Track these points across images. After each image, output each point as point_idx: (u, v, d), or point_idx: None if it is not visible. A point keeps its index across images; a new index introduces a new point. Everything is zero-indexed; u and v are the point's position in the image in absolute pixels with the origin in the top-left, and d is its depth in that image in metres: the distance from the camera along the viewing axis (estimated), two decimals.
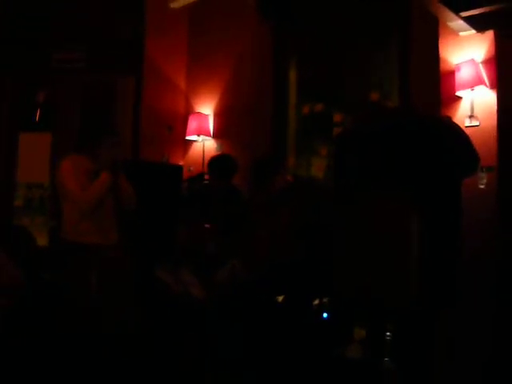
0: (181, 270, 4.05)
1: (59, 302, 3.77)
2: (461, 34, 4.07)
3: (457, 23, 3.92)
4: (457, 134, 3.12)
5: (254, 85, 5.66)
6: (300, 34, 5.53)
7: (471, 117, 4.06)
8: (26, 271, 3.99)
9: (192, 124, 5.91)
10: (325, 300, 3.67)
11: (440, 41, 4.24)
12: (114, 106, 6.20)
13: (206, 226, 4.33)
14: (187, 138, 6.01)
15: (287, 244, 3.84)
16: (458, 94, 4.13)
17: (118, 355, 3.51)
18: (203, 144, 5.89)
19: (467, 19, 3.84)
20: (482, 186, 3.98)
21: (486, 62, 4.04)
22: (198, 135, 5.88)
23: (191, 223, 4.42)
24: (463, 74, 4.05)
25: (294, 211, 3.88)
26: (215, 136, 5.90)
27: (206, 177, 4.91)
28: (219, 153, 5.56)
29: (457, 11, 3.75)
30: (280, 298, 3.73)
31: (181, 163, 6.03)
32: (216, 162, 4.64)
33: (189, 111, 6.13)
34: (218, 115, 5.92)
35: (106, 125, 4.30)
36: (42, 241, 5.17)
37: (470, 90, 4.04)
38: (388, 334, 3.00)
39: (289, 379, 3.36)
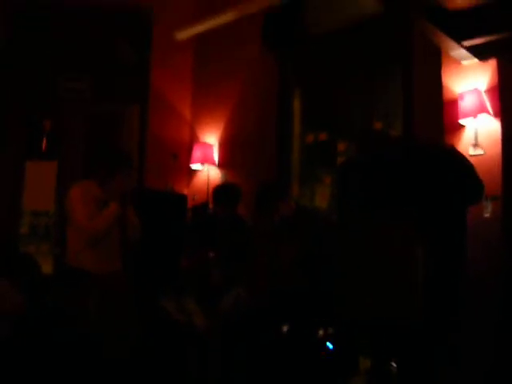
0: (184, 299, 4.03)
1: (59, 328, 3.75)
2: (463, 62, 4.09)
3: (459, 52, 3.95)
4: (461, 162, 3.12)
5: (259, 114, 5.69)
6: (304, 63, 5.57)
7: (475, 145, 4.06)
8: (31, 298, 3.97)
9: (197, 153, 5.94)
10: (330, 330, 3.64)
11: (443, 70, 4.25)
12: (120, 135, 6.24)
13: (211, 254, 4.32)
14: (192, 166, 6.03)
15: (290, 273, 3.82)
16: (461, 122, 4.13)
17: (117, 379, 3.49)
18: (208, 173, 5.90)
19: (470, 48, 3.86)
20: (486, 215, 3.96)
21: (489, 91, 4.04)
22: (203, 164, 5.91)
23: (195, 251, 4.41)
24: (467, 103, 4.05)
25: (297, 240, 3.87)
26: (220, 165, 5.93)
27: (211, 206, 4.92)
28: (224, 182, 5.58)
29: (459, 41, 3.78)
30: (284, 328, 3.70)
31: (185, 192, 6.04)
32: (221, 191, 4.64)
33: (193, 140, 6.17)
34: (223, 144, 5.96)
35: (124, 156, 4.30)
36: (46, 268, 5.16)
37: (473, 118, 4.05)
38: (393, 363, 2.97)
39: None
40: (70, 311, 3.73)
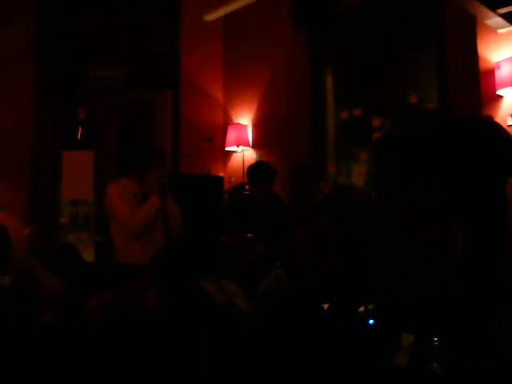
0: (224, 281, 4.05)
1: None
2: (499, 31, 4.00)
3: (495, 20, 3.86)
4: (499, 133, 3.06)
5: (291, 93, 5.66)
6: (335, 39, 5.51)
7: None
8: (73, 287, 4.04)
9: (231, 135, 5.95)
10: (370, 306, 3.63)
11: (478, 39, 4.17)
12: (153, 121, 6.28)
13: (249, 235, 4.33)
14: (227, 149, 6.05)
15: (329, 252, 3.81)
16: (498, 92, 4.05)
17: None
18: (243, 154, 5.92)
19: (505, 16, 3.77)
20: None
21: None
22: (238, 146, 5.91)
23: (233, 233, 4.43)
24: (504, 72, 3.98)
25: (336, 219, 3.86)
26: (254, 146, 5.93)
27: (247, 187, 4.93)
28: (257, 161, 5.57)
29: (494, 8, 3.70)
30: (325, 306, 3.70)
31: (221, 174, 6.06)
32: (255, 170, 4.64)
33: (227, 122, 6.18)
34: (257, 125, 5.95)
35: (156, 149, 4.34)
36: (88, 256, 5.25)
37: (511, 87, 3.96)
38: (435, 339, 2.96)
39: None
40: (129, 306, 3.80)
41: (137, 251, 3.91)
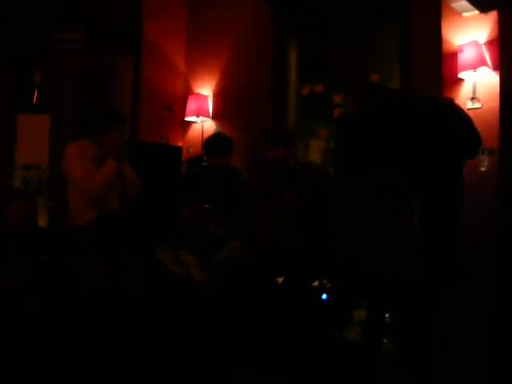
0: (181, 251, 4.05)
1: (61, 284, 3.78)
2: (464, 14, 4.04)
3: (460, 4, 3.89)
4: (459, 115, 3.10)
5: (254, 65, 5.62)
6: (300, 12, 5.47)
7: (473, 99, 4.04)
8: (26, 253, 3.98)
9: (191, 105, 5.88)
10: (324, 281, 3.67)
11: (443, 22, 4.20)
12: (113, 87, 6.15)
13: (206, 206, 4.32)
14: (186, 119, 5.98)
15: (287, 226, 3.83)
16: (460, 75, 4.10)
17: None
18: (202, 125, 5.86)
19: (470, 0, 3.80)
20: (483, 169, 3.97)
21: (489, 43, 4.01)
22: (197, 116, 5.86)
23: (191, 204, 4.41)
24: (466, 56, 4.02)
25: (297, 193, 3.87)
26: (214, 117, 5.88)
27: (205, 159, 4.89)
28: (215, 132, 5.54)
29: None
30: (280, 280, 3.73)
31: (180, 144, 6.01)
32: (212, 141, 4.63)
33: (188, 92, 6.10)
34: (218, 96, 5.89)
35: (114, 111, 4.28)
36: (41, 222, 5.15)
37: (472, 71, 4.02)
38: (387, 315, 3.01)
39: (288, 360, 3.37)
40: (76, 269, 3.76)
41: (90, 214, 3.87)
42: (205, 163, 4.79)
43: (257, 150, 4.16)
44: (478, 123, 3.14)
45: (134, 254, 3.92)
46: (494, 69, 3.99)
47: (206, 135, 5.55)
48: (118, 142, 3.94)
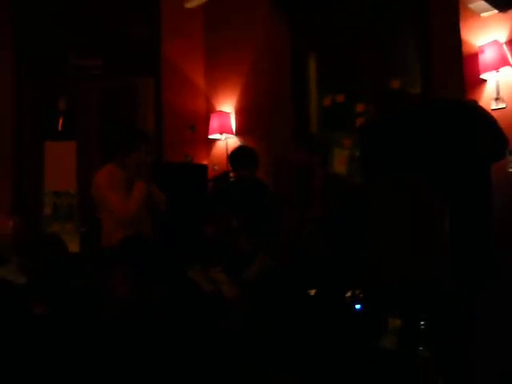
0: (212, 269, 4.05)
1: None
2: (482, 15, 4.00)
3: (478, 4, 3.86)
4: (483, 117, 3.07)
5: (274, 79, 5.64)
6: (317, 24, 5.48)
7: (497, 99, 4.00)
8: (58, 277, 4.02)
9: (214, 123, 5.91)
10: (357, 291, 3.64)
11: (462, 23, 4.17)
12: (135, 109, 6.23)
13: (234, 222, 4.32)
14: (210, 136, 6.01)
15: (317, 237, 3.82)
16: (482, 76, 4.06)
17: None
18: (226, 142, 5.88)
19: (488, 0, 3.78)
20: (511, 170, 3.92)
21: (510, 43, 3.97)
22: (221, 133, 5.88)
23: (219, 221, 4.42)
24: (487, 56, 3.98)
25: (327, 205, 3.86)
26: (238, 133, 5.89)
27: (232, 175, 4.91)
28: (238, 145, 5.56)
29: None
30: (312, 292, 3.71)
31: (205, 162, 6.04)
32: (236, 153, 4.67)
33: (210, 110, 6.13)
34: (240, 112, 5.91)
35: (139, 131, 4.36)
36: (73, 247, 5.21)
37: (494, 71, 3.98)
38: (422, 322, 2.97)
39: (324, 371, 3.34)
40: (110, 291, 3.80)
41: (122, 234, 3.92)
42: (231, 179, 4.80)
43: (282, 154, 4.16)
44: (503, 123, 3.10)
45: (163, 277, 3.94)
46: None
47: (230, 152, 5.59)
48: (142, 161, 3.99)
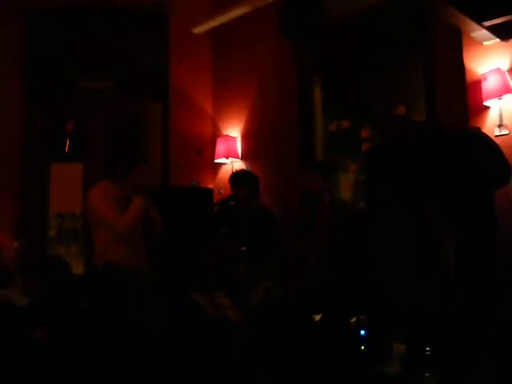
0: (216, 293, 4.06)
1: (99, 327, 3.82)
2: (485, 43, 4.05)
3: (480, 33, 3.91)
4: (486, 144, 3.10)
5: (280, 104, 5.69)
6: (323, 51, 5.55)
7: (500, 126, 4.03)
8: (64, 300, 4.03)
9: (220, 147, 5.95)
10: (362, 317, 3.64)
11: (464, 51, 4.22)
12: (143, 133, 6.28)
13: (242, 248, 4.34)
14: (216, 161, 6.05)
15: (322, 264, 3.83)
16: (485, 103, 4.10)
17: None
18: (232, 166, 5.92)
19: (490, 28, 3.82)
20: None
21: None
22: (227, 158, 5.92)
23: (223, 246, 4.44)
24: (490, 83, 4.02)
25: (330, 232, 3.88)
26: (244, 158, 5.94)
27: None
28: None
29: (479, 21, 3.74)
30: (317, 317, 3.71)
31: (211, 186, 6.06)
32: (235, 173, 4.78)
33: (216, 134, 6.18)
34: (246, 137, 5.96)
35: (136, 151, 4.42)
36: (77, 269, 5.22)
37: (497, 98, 4.01)
38: (427, 348, 2.97)
39: None
40: (111, 305, 3.82)
41: (121, 252, 3.99)
42: (233, 203, 4.82)
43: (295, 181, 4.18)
44: (506, 150, 3.13)
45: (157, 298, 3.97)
46: None
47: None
48: (141, 181, 4.06)
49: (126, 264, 3.92)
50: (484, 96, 4.08)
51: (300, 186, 4.09)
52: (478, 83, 4.14)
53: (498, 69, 4.02)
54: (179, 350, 3.80)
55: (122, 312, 3.73)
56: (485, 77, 4.08)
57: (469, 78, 4.21)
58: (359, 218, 3.82)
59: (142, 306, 3.81)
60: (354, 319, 3.64)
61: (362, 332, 3.60)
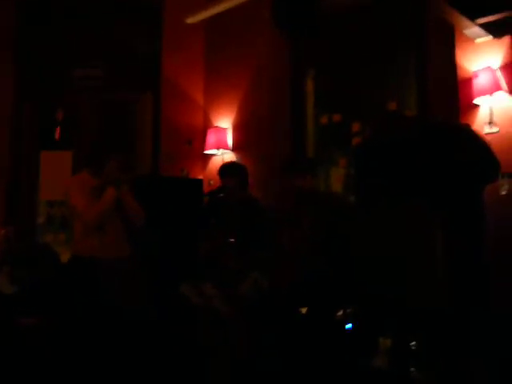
0: (204, 284, 4.07)
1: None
2: (477, 40, 4.06)
3: (473, 30, 3.91)
4: (476, 141, 3.10)
5: (272, 97, 5.68)
6: (316, 44, 5.53)
7: (490, 123, 4.04)
8: (51, 288, 4.04)
9: (211, 138, 5.95)
10: (348, 310, 3.66)
11: (456, 48, 4.23)
12: (133, 123, 6.26)
13: (231, 240, 4.34)
14: (206, 152, 6.04)
15: (310, 256, 3.84)
16: (476, 101, 4.11)
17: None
18: (222, 157, 5.92)
19: (483, 26, 3.83)
20: (503, 193, 3.95)
21: (503, 68, 4.02)
22: (217, 149, 5.92)
23: (213, 236, 4.44)
24: (481, 81, 4.03)
25: (316, 222, 3.89)
26: (234, 149, 5.94)
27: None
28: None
29: (472, 18, 3.75)
30: (304, 310, 3.72)
31: (200, 177, 6.06)
32: (223, 164, 4.80)
33: (207, 125, 6.18)
34: (237, 128, 5.96)
35: (111, 144, 4.46)
36: (65, 257, 5.22)
37: (488, 96, 4.03)
38: (413, 343, 2.99)
39: None
40: (80, 297, 3.85)
41: (91, 244, 4.02)
42: (221, 195, 4.82)
43: (285, 181, 4.18)
44: (496, 147, 3.12)
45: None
46: (510, 92, 4.00)
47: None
48: (114, 173, 4.08)
49: (99, 255, 3.98)
50: (475, 93, 4.09)
51: (292, 187, 4.10)
52: (469, 80, 4.15)
53: (490, 66, 4.03)
54: (159, 339, 3.83)
55: (93, 303, 3.76)
56: (476, 74, 4.09)
57: (460, 74, 4.22)
58: (346, 210, 3.84)
59: (117, 297, 3.85)
60: (340, 312, 3.66)
61: (349, 325, 3.62)
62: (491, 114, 4.04)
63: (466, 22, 3.80)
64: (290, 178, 4.13)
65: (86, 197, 4.01)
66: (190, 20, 5.33)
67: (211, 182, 5.88)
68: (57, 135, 6.33)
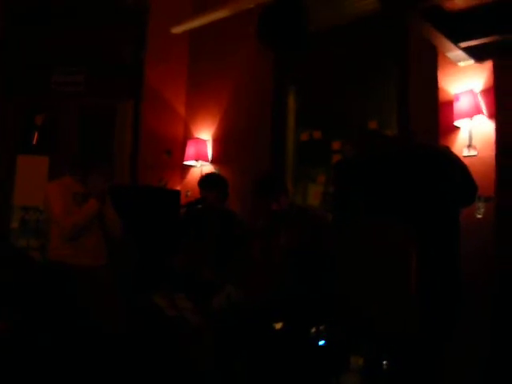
0: (177, 295, 4.03)
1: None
2: (460, 64, 4.10)
3: (456, 53, 3.95)
4: (455, 163, 3.13)
5: (253, 111, 5.68)
6: (299, 61, 5.56)
7: (469, 146, 4.07)
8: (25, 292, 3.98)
9: (190, 149, 5.92)
10: (321, 327, 3.64)
11: (439, 71, 4.26)
12: (113, 130, 6.21)
13: (207, 251, 4.33)
14: (185, 163, 6.01)
15: (285, 272, 3.82)
16: (456, 123, 4.14)
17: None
18: (201, 169, 5.89)
19: (466, 50, 3.86)
20: (479, 216, 3.97)
21: (484, 92, 4.05)
22: (197, 160, 5.90)
23: (188, 247, 4.41)
24: (462, 104, 4.06)
25: (292, 237, 3.88)
26: (213, 161, 5.92)
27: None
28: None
29: (456, 42, 3.78)
30: (278, 325, 3.70)
31: (178, 188, 6.03)
32: (204, 175, 4.78)
33: (187, 136, 6.16)
34: (217, 141, 5.94)
35: (99, 152, 4.43)
36: (38, 263, 5.14)
37: (468, 119, 4.06)
38: (385, 362, 2.98)
39: None
40: (53, 303, 3.80)
41: (68, 251, 3.97)
42: (200, 206, 4.81)
43: (259, 202, 4.17)
44: (474, 170, 3.17)
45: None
46: (490, 117, 4.03)
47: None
48: (100, 181, 4.03)
49: (75, 262, 3.93)
50: (455, 116, 4.12)
51: (270, 210, 4.10)
52: (450, 103, 4.18)
53: (471, 90, 4.06)
54: (130, 348, 3.78)
55: (65, 310, 3.71)
56: (457, 97, 4.11)
57: (442, 97, 4.24)
58: (322, 225, 3.85)
59: (89, 306, 3.80)
60: (313, 329, 3.65)
61: (321, 342, 3.60)
62: (470, 138, 4.07)
63: (449, 45, 3.82)
64: (264, 201, 4.13)
65: (66, 203, 3.95)
66: (175, 30, 5.32)
67: (188, 194, 5.86)
68: (34, 140, 6.26)
